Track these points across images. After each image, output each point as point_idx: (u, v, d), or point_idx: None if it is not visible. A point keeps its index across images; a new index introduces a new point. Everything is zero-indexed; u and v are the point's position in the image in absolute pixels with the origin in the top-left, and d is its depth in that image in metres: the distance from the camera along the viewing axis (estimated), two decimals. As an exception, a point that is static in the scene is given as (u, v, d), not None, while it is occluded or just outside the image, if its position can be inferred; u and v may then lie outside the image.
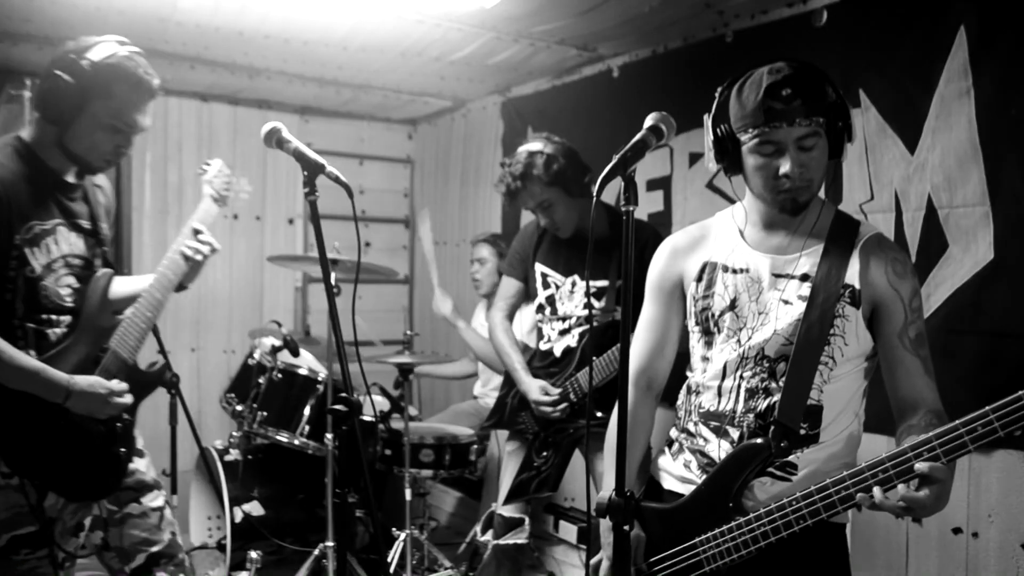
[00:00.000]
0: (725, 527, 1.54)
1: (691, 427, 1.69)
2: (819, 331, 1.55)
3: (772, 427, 1.54)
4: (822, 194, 1.66)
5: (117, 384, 2.02)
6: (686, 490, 1.66)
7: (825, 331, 1.55)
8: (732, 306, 1.65)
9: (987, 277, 2.31)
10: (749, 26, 3.04)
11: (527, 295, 2.95)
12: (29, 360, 1.89)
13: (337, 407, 1.71)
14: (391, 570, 3.20)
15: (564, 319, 2.77)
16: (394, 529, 3.32)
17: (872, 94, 2.59)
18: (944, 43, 2.39)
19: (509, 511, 2.84)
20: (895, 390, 1.59)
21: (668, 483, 1.73)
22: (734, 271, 1.67)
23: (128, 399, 2.05)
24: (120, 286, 2.18)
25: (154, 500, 2.21)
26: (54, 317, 2.00)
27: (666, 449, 1.78)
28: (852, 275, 1.58)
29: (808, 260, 1.61)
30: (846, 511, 1.46)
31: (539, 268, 2.86)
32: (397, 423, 3.40)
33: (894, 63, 2.53)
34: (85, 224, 2.09)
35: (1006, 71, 2.26)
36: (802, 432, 1.56)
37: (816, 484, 1.46)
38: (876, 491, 1.39)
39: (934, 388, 1.58)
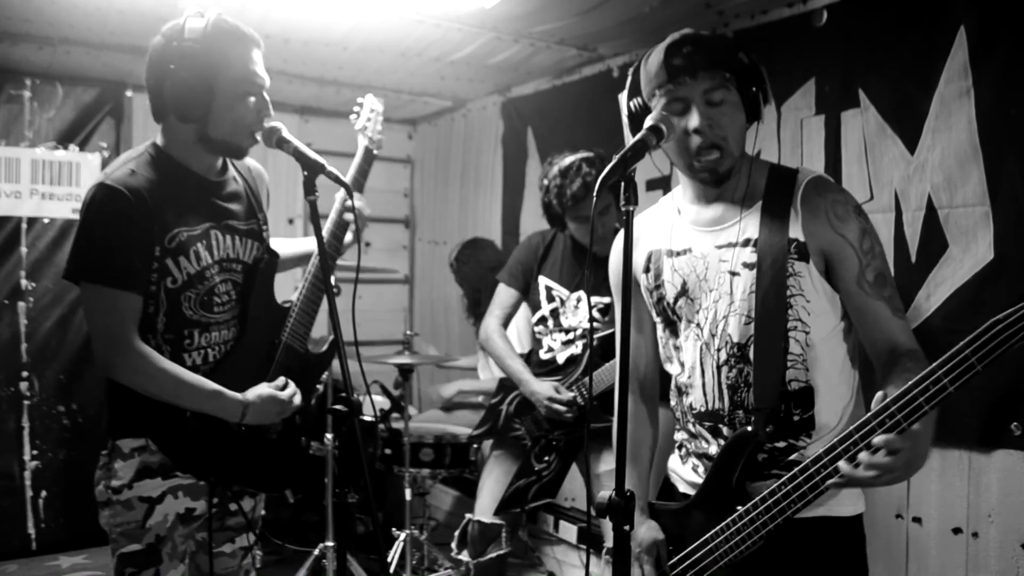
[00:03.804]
0: (728, 519, 1.53)
1: (691, 428, 1.68)
2: (775, 297, 1.49)
3: (752, 415, 1.51)
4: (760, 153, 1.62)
5: (287, 392, 1.95)
6: None
7: (782, 295, 1.49)
8: (684, 291, 1.61)
9: (987, 277, 2.31)
10: (749, 26, 3.04)
11: (518, 305, 2.99)
12: (206, 382, 1.83)
13: (337, 407, 1.70)
14: (391, 570, 3.20)
15: (568, 331, 2.79)
16: (394, 529, 3.32)
17: (872, 94, 2.59)
18: (944, 43, 2.39)
19: (490, 517, 2.81)
20: (868, 340, 1.52)
21: (682, 487, 1.73)
22: (677, 254, 1.63)
23: (298, 399, 1.99)
24: (282, 248, 2.17)
25: (244, 540, 2.12)
26: (196, 334, 1.89)
27: (676, 451, 1.77)
28: (795, 229, 1.51)
29: (748, 223, 1.55)
30: (833, 489, 1.39)
31: (543, 281, 2.88)
32: (397, 423, 3.40)
33: (894, 63, 2.53)
34: (240, 225, 1.97)
35: (1006, 71, 2.26)
36: (795, 418, 1.52)
37: (799, 467, 1.42)
38: (842, 465, 1.34)
39: (906, 327, 1.51)
